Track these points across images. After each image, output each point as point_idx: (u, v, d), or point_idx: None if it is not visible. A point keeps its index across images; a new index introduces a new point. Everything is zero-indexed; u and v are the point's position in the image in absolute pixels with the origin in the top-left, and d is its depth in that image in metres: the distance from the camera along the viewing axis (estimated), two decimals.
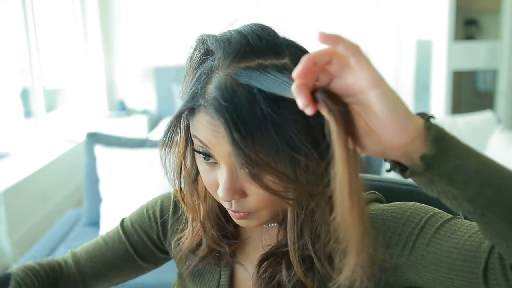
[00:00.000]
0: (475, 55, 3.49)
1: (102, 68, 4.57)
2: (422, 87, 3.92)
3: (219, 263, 0.72)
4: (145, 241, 0.79)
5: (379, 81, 0.43)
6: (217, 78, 0.56)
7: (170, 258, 0.82)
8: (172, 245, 0.76)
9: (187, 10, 4.58)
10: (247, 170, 0.55)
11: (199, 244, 0.72)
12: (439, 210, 0.62)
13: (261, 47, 0.58)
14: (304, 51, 0.62)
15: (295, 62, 0.53)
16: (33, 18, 3.45)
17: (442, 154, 0.46)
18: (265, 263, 0.66)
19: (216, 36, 0.61)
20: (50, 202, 3.42)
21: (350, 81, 0.44)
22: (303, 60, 0.42)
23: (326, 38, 0.43)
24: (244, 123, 0.53)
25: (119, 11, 4.67)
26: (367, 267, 0.45)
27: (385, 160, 0.49)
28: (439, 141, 0.46)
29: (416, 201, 0.84)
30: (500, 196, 0.46)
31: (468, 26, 3.73)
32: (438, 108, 3.58)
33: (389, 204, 0.67)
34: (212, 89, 0.56)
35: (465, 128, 2.51)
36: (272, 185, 0.56)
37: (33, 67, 3.46)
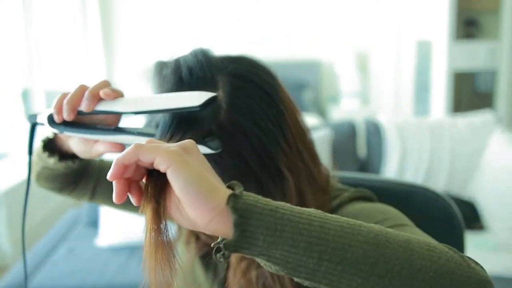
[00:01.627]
0: (475, 55, 3.49)
1: (102, 68, 4.57)
2: (422, 87, 3.92)
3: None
4: None
5: (169, 161, 0.43)
6: None
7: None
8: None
9: (187, 10, 4.58)
10: None
11: (197, 239, 0.76)
12: (390, 217, 0.62)
13: (191, 84, 0.61)
14: (240, 77, 0.63)
15: (229, 91, 0.60)
16: (33, 19, 3.44)
17: (247, 236, 0.42)
18: (244, 260, 0.69)
19: (159, 67, 0.65)
20: (50, 202, 3.42)
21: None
22: (113, 165, 0.44)
23: (114, 175, 0.44)
24: None
25: (119, 11, 4.67)
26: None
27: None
28: (244, 221, 0.42)
29: (415, 202, 0.84)
30: (323, 266, 0.43)
31: (468, 26, 3.73)
32: (438, 108, 3.58)
33: (367, 206, 0.68)
34: None
35: (465, 128, 2.51)
36: None
37: (33, 68, 3.46)
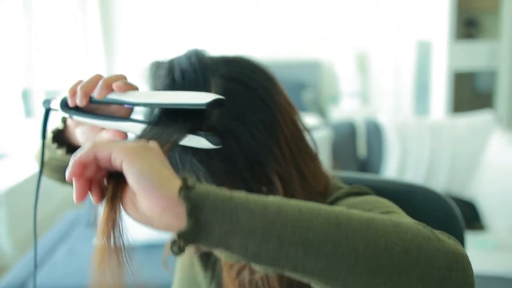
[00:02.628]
0: (475, 56, 3.50)
1: (102, 68, 4.57)
2: (422, 87, 3.92)
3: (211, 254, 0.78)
4: None
5: (124, 154, 0.43)
6: None
7: None
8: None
9: (187, 10, 4.58)
10: None
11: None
12: (378, 206, 0.61)
13: (184, 86, 0.61)
14: (232, 79, 0.63)
15: (221, 93, 0.60)
16: (33, 18, 3.44)
17: (202, 225, 0.42)
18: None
19: (154, 67, 0.67)
20: (50, 202, 3.42)
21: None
22: (71, 163, 0.45)
23: (72, 173, 0.45)
24: None
25: (119, 11, 4.67)
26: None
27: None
28: (198, 210, 0.42)
29: (415, 202, 0.84)
30: (284, 251, 0.43)
31: (468, 26, 3.73)
32: (438, 108, 3.58)
33: (360, 199, 0.67)
34: None
35: (465, 128, 2.51)
36: None
37: (33, 68, 3.46)
